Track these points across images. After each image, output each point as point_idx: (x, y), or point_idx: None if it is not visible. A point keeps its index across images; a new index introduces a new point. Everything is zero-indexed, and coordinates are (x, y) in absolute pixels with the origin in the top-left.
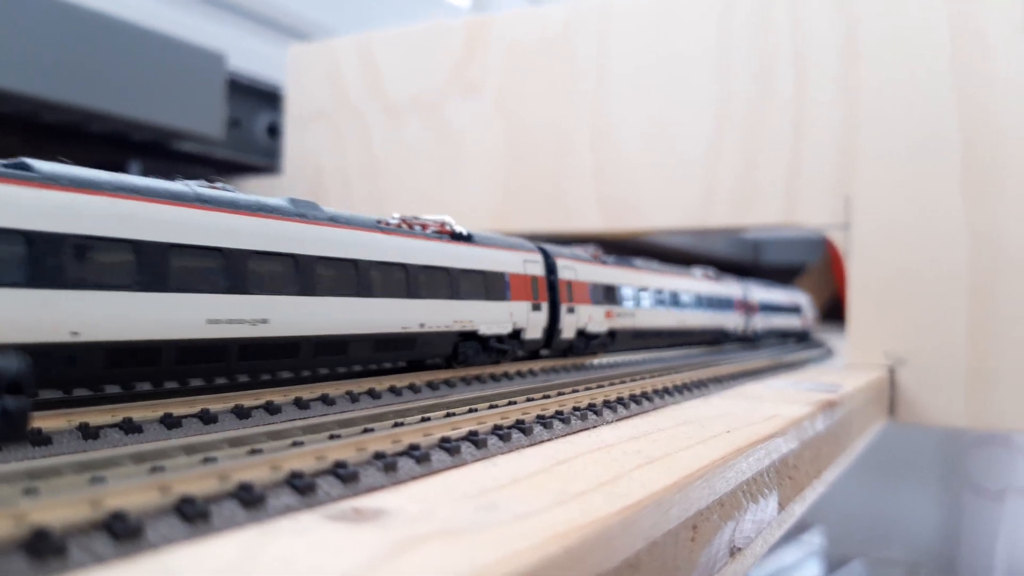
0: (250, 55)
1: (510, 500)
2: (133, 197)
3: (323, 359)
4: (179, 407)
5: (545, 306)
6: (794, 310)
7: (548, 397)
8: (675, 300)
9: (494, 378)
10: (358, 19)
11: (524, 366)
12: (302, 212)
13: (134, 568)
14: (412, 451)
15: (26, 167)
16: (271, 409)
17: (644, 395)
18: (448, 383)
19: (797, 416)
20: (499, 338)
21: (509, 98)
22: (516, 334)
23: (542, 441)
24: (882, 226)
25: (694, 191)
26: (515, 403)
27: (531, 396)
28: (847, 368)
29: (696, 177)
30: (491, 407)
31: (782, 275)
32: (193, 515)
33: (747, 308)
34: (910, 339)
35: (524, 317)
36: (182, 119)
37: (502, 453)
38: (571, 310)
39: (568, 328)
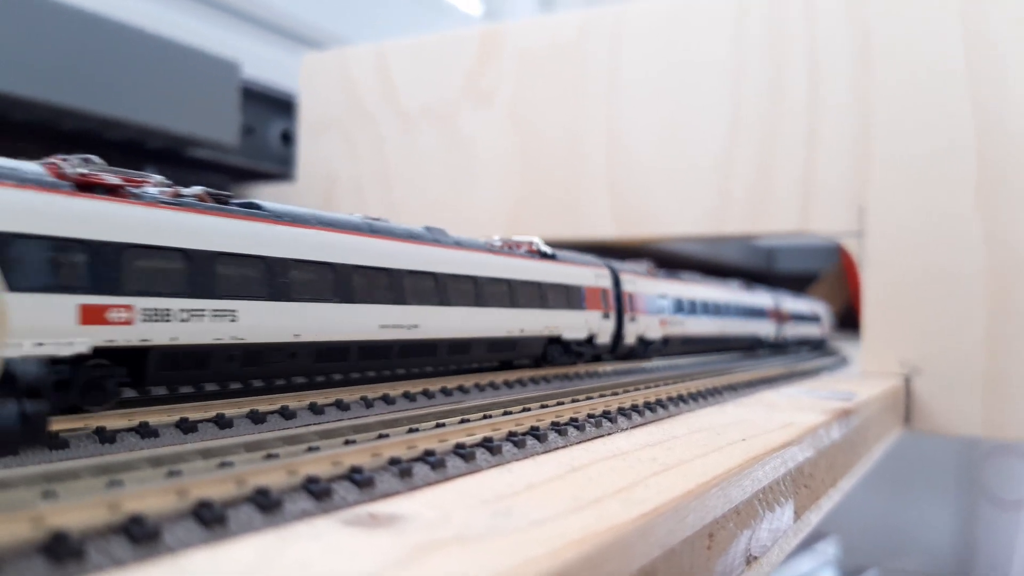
0: (264, 63)
1: (525, 506)
2: (332, 230)
3: (453, 357)
4: (195, 412)
5: (612, 315)
6: (815, 319)
7: (562, 404)
8: (717, 310)
9: (508, 385)
10: (371, 28)
11: (538, 373)
12: (436, 238)
13: (152, 571)
14: (427, 457)
15: (257, 207)
16: (286, 414)
17: (659, 402)
18: (462, 389)
19: (812, 424)
20: (578, 342)
21: (522, 106)
22: (590, 339)
23: (557, 448)
24: (897, 234)
25: (707, 198)
26: (529, 410)
27: (545, 403)
28: (862, 376)
29: (709, 184)
30: (505, 413)
31: (796, 283)
32: (210, 519)
33: (779, 317)
34: (925, 347)
35: (597, 325)
36: (197, 126)
37: (517, 460)
38: (633, 319)
39: (630, 335)
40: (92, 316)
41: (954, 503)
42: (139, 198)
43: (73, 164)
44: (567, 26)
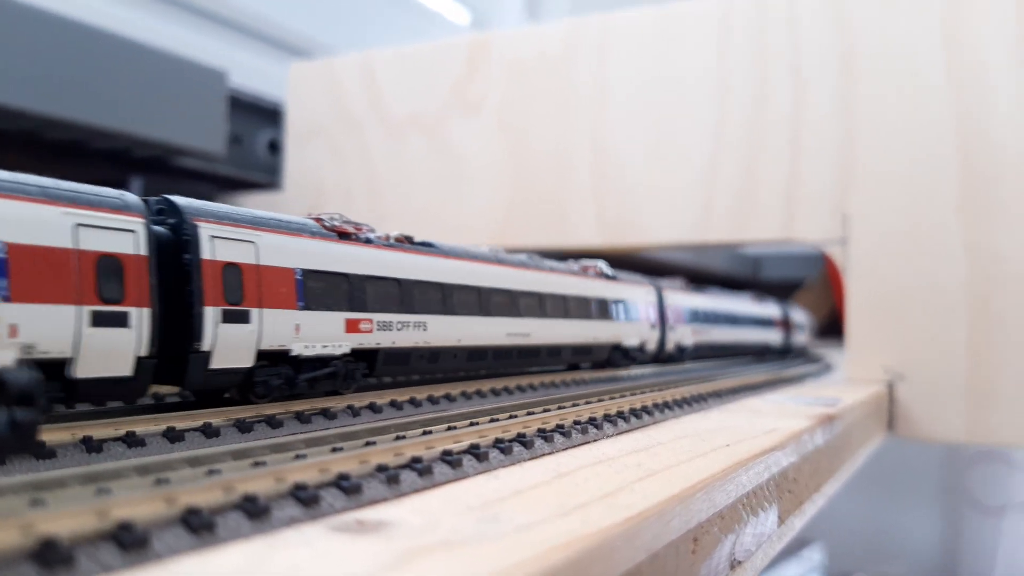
0: (251, 72)
1: (512, 512)
2: (476, 261)
3: (549, 359)
4: (181, 421)
5: (658, 326)
6: (804, 328)
7: (549, 411)
8: (737, 320)
9: (495, 392)
10: (358, 37)
11: (524, 381)
12: (537, 264)
13: None
14: (414, 464)
15: (433, 245)
16: (273, 423)
17: (644, 409)
18: (449, 397)
19: (797, 430)
20: (634, 349)
21: (509, 115)
22: (641, 346)
23: (543, 454)
24: (880, 242)
25: (693, 207)
26: (516, 416)
27: (532, 410)
28: (846, 382)
29: (695, 193)
30: (492, 420)
31: (781, 291)
32: (199, 526)
33: (785, 326)
34: (909, 354)
35: (646, 334)
36: (184, 136)
37: (504, 466)
38: (672, 329)
39: (671, 342)
40: (352, 327)
41: (938, 509)
42: (369, 242)
43: (331, 218)
44: (553, 36)
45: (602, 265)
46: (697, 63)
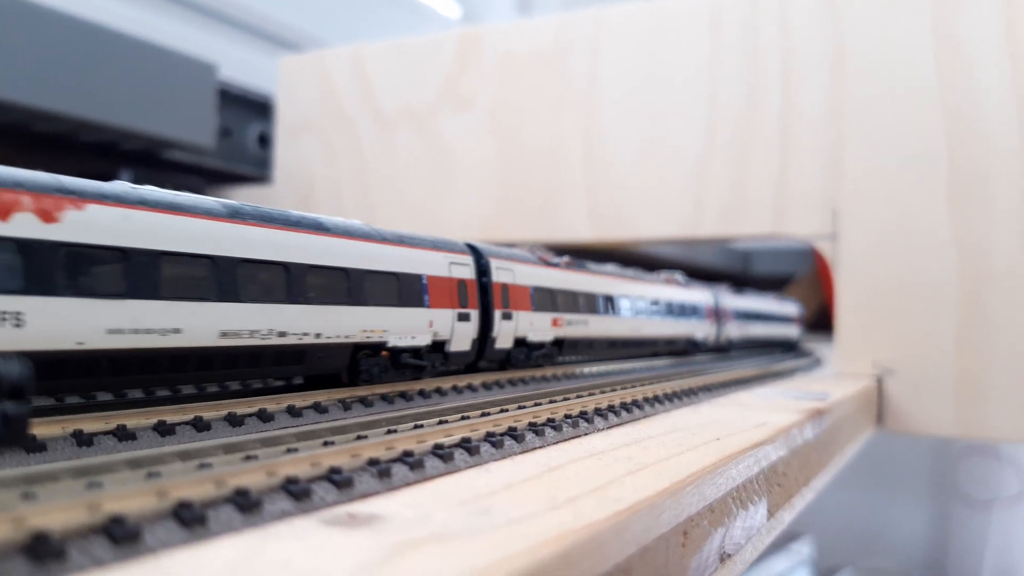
0: (241, 65)
1: (503, 505)
2: (606, 276)
3: (652, 347)
4: (172, 414)
5: (715, 323)
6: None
7: (540, 405)
8: (768, 318)
9: (486, 387)
10: (349, 30)
11: (517, 375)
12: (637, 276)
13: (133, 571)
14: (406, 457)
15: (583, 264)
16: (264, 417)
17: (635, 403)
18: (440, 391)
19: (786, 424)
20: (700, 341)
21: (501, 110)
22: (706, 339)
23: (534, 448)
24: (869, 237)
25: (684, 202)
26: (507, 411)
27: (523, 404)
28: (836, 377)
29: (686, 188)
30: (483, 414)
31: (771, 285)
32: (190, 519)
33: (801, 323)
34: (898, 349)
35: (707, 330)
36: (173, 129)
37: (495, 460)
38: (724, 325)
39: (723, 336)
40: (554, 323)
41: (927, 503)
42: (557, 266)
43: (534, 250)
44: (545, 31)
45: (678, 276)
46: (689, 58)
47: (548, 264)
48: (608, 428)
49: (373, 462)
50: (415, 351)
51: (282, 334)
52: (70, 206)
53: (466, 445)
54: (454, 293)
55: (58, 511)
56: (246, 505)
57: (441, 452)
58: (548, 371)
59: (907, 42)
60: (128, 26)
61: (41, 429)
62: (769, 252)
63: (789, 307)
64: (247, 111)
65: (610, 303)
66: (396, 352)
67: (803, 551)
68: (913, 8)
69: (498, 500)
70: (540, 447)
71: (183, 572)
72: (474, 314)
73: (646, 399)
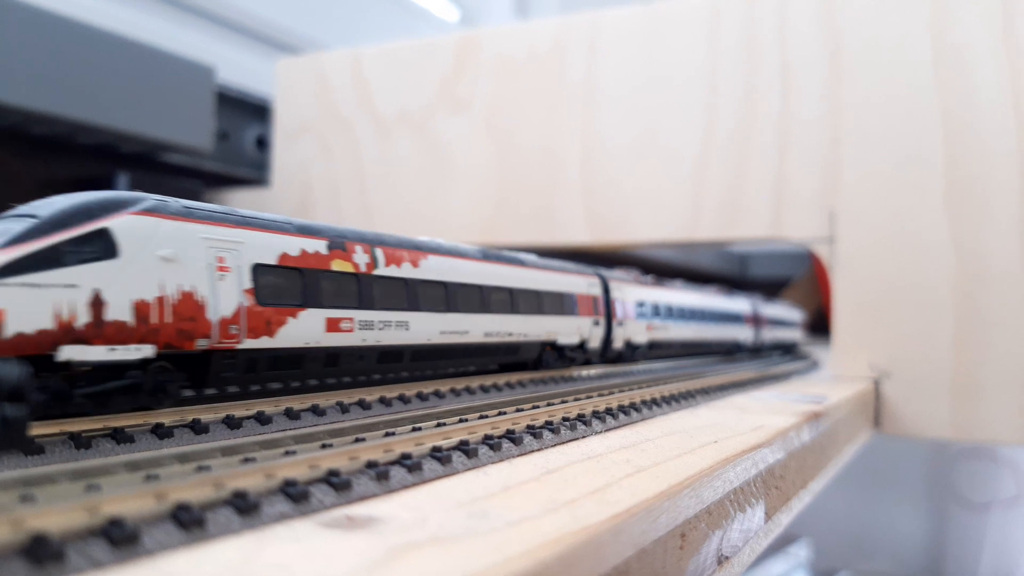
0: (239, 68)
1: (501, 508)
2: (647, 286)
3: (693, 351)
4: (170, 417)
5: (755, 328)
6: (790, 324)
7: (537, 408)
8: (786, 323)
9: (484, 389)
10: (347, 34)
11: (514, 377)
12: (690, 287)
13: (131, 573)
14: (404, 460)
15: (661, 281)
16: (262, 419)
17: (632, 406)
18: (438, 394)
19: (783, 427)
20: (745, 345)
21: (498, 113)
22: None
23: (532, 451)
24: (866, 240)
25: (681, 205)
26: (505, 413)
27: (520, 407)
28: (832, 380)
29: (683, 191)
30: (481, 417)
31: (769, 288)
32: (189, 522)
33: (803, 326)
34: (895, 351)
35: (748, 334)
36: (171, 131)
37: (493, 462)
38: (759, 329)
39: (762, 339)
40: (649, 328)
41: (924, 505)
42: (647, 283)
43: (629, 271)
44: (543, 33)
45: (740, 297)
46: (686, 62)
47: (641, 283)
48: (606, 431)
49: (371, 465)
50: (572, 348)
51: (509, 334)
52: (422, 257)
53: (464, 448)
54: (591, 306)
55: (57, 513)
56: (244, 507)
57: (439, 455)
58: (546, 374)
59: (904, 44)
60: (126, 29)
61: (39, 431)
62: (766, 255)
63: (797, 314)
64: (245, 114)
65: (683, 313)
66: (561, 348)
67: (800, 554)
68: (910, 10)
69: (496, 503)
70: (538, 450)
71: (181, 574)
72: (602, 322)
73: (644, 402)
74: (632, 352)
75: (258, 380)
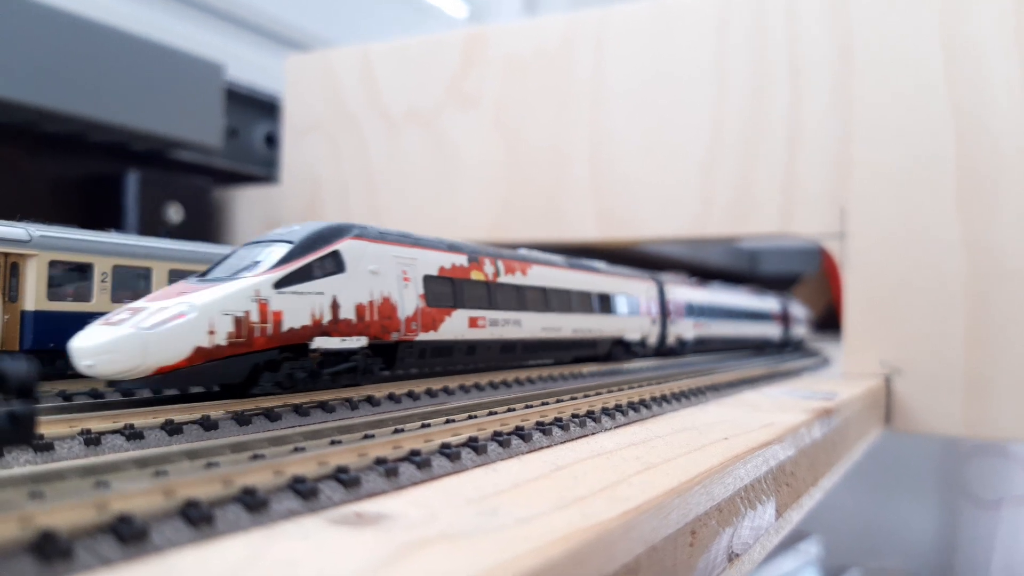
0: (248, 65)
1: (511, 505)
2: (692, 287)
3: (732, 345)
4: (180, 414)
5: (783, 326)
6: (802, 321)
7: (547, 404)
8: (799, 320)
9: (492, 386)
10: (355, 30)
11: (523, 374)
12: (729, 287)
13: (140, 570)
14: (413, 457)
15: (688, 282)
16: (271, 416)
17: (642, 403)
18: (447, 390)
19: (794, 424)
20: (774, 340)
21: (506, 110)
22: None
23: (542, 447)
24: (878, 236)
25: (691, 201)
26: (514, 410)
27: (530, 403)
28: (843, 377)
29: (693, 187)
30: (491, 414)
31: (779, 285)
32: (197, 518)
33: (784, 320)
34: (906, 348)
35: (777, 331)
36: (181, 129)
37: (502, 459)
38: (790, 328)
39: (790, 335)
40: (696, 326)
41: (935, 502)
42: (692, 285)
43: (678, 274)
44: (551, 29)
45: (772, 299)
46: (696, 57)
47: (688, 285)
48: (615, 428)
49: (380, 461)
50: (636, 343)
51: (590, 331)
52: (529, 267)
53: (473, 444)
54: (650, 307)
55: (66, 510)
56: (253, 504)
57: (448, 451)
58: (555, 371)
59: (915, 40)
60: (136, 26)
61: (49, 428)
62: (776, 251)
63: (802, 309)
64: (254, 111)
65: (724, 312)
66: (627, 343)
67: (811, 551)
68: (921, 6)
69: (505, 500)
70: (547, 446)
71: (190, 571)
72: (659, 320)
73: (653, 398)
74: (682, 347)
75: (426, 364)
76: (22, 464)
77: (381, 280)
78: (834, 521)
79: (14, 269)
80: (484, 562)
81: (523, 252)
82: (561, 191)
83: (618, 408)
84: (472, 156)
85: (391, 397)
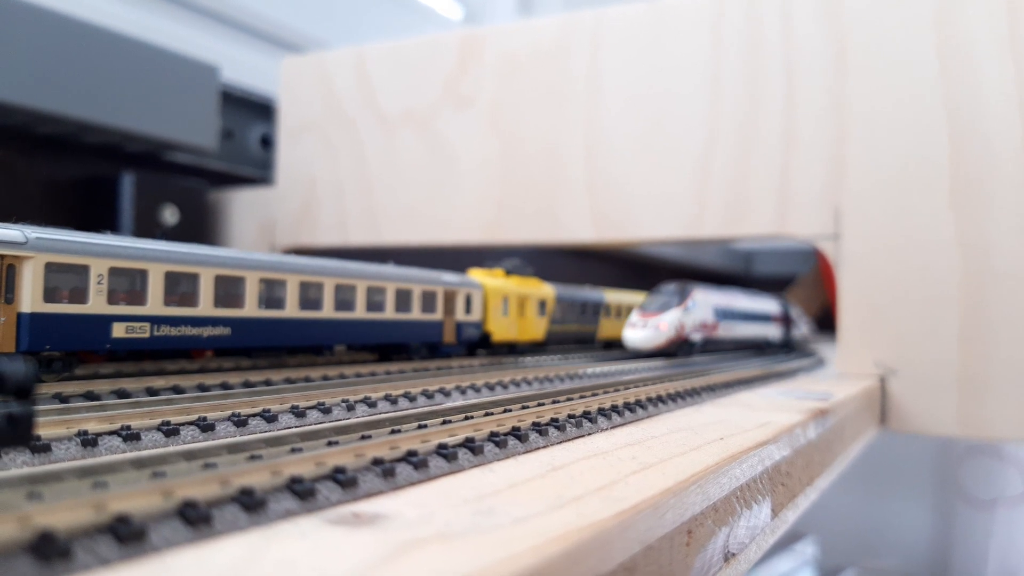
0: (243, 67)
1: (507, 505)
2: (717, 293)
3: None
4: (176, 415)
5: (784, 327)
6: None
7: (543, 405)
8: (799, 321)
9: (489, 387)
10: (351, 32)
11: (519, 375)
12: (742, 291)
13: (138, 570)
14: (410, 457)
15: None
16: (268, 417)
17: (638, 403)
18: (443, 391)
19: (789, 424)
20: (773, 341)
21: (502, 111)
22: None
23: (538, 448)
24: (872, 237)
25: (686, 202)
26: (511, 411)
27: (526, 404)
28: (838, 377)
29: (688, 188)
30: (487, 415)
31: (773, 286)
32: (195, 519)
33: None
34: (901, 349)
35: (776, 331)
36: (176, 131)
37: (499, 459)
38: (793, 329)
39: (793, 336)
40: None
41: (930, 503)
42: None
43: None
44: (546, 30)
45: (781, 299)
46: (690, 59)
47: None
48: (612, 428)
49: (377, 461)
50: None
51: (745, 338)
52: (743, 294)
53: (470, 445)
54: (781, 318)
55: (64, 510)
56: (251, 504)
57: (445, 452)
58: (552, 371)
59: (909, 41)
60: (130, 28)
61: (46, 429)
62: (771, 253)
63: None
64: (249, 113)
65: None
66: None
67: (807, 551)
68: (915, 6)
69: (502, 499)
70: (544, 447)
71: (188, 571)
72: (782, 327)
73: (649, 399)
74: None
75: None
76: (20, 465)
77: (703, 312)
78: (830, 521)
79: (10, 271)
80: (480, 561)
81: (737, 291)
82: (557, 192)
83: (614, 408)
84: (468, 157)
85: (387, 398)
